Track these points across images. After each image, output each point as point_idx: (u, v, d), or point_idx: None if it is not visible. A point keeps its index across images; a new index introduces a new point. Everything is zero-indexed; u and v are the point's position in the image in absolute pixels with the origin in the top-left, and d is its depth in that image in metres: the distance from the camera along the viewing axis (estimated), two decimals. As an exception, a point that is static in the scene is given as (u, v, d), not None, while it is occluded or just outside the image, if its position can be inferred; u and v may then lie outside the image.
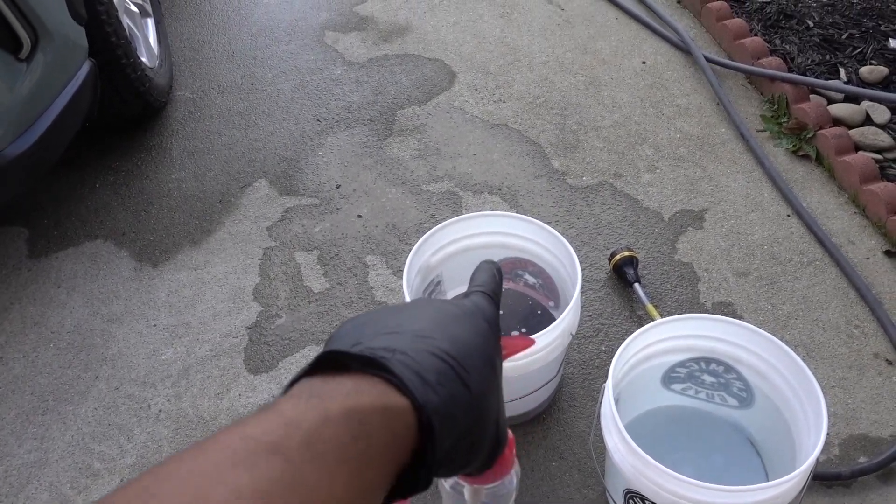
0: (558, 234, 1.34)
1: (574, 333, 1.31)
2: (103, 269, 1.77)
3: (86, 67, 1.67)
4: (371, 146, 2.01)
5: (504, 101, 2.11)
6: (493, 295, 0.50)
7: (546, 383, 1.34)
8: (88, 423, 1.49)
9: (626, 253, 1.63)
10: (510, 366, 1.23)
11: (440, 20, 2.42)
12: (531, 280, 1.49)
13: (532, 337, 1.20)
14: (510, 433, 0.51)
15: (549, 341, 1.24)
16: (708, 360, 1.28)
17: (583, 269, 1.67)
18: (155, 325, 1.65)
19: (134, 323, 1.66)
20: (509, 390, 1.30)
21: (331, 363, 0.38)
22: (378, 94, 2.16)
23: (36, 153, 1.48)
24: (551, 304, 1.49)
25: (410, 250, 1.31)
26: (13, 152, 1.44)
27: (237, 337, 1.62)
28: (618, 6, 2.39)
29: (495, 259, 1.46)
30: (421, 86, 2.18)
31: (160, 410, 1.50)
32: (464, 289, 1.57)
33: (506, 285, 1.54)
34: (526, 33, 2.34)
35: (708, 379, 1.31)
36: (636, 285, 1.60)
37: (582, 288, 1.61)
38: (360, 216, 1.84)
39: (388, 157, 1.98)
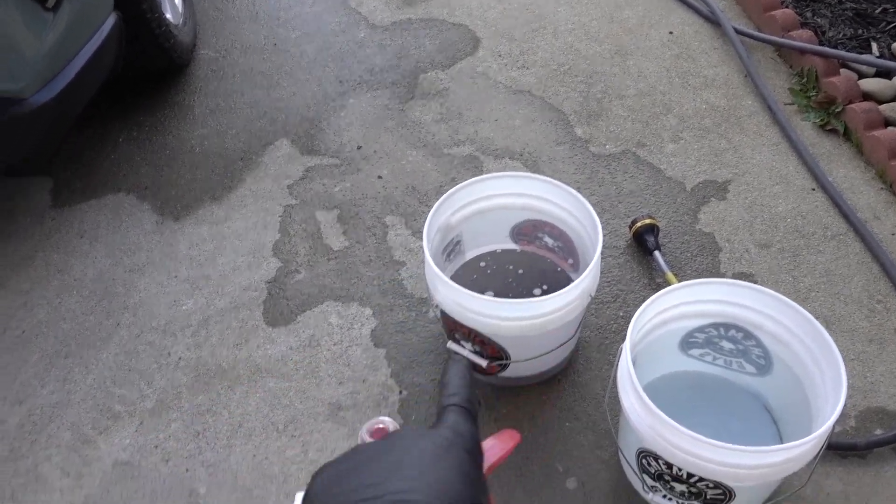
0: (580, 196, 1.33)
1: (593, 295, 1.31)
2: (125, 221, 1.78)
3: (111, 20, 1.68)
4: (393, 109, 2.01)
5: (528, 68, 2.09)
6: (469, 405, 0.49)
7: (563, 344, 1.34)
8: (110, 368, 1.51)
9: (648, 220, 1.62)
10: (527, 324, 1.24)
11: (466, -15, 2.40)
12: (551, 242, 1.49)
13: (537, 300, 1.20)
14: None
15: (567, 301, 1.24)
16: (727, 326, 1.28)
17: (603, 236, 1.66)
18: (176, 277, 1.66)
19: (155, 274, 1.67)
20: (526, 349, 1.31)
21: None
22: (401, 57, 2.15)
23: (60, 104, 1.49)
24: (570, 267, 1.49)
25: (430, 211, 1.31)
26: (37, 101, 1.45)
27: (256, 290, 1.63)
28: (647, -25, 2.36)
29: (515, 221, 1.47)
30: (444, 50, 2.16)
31: (180, 358, 1.52)
32: (483, 251, 1.57)
33: (525, 248, 1.54)
34: (552, 0, 2.32)
35: (726, 345, 1.31)
36: (656, 253, 1.59)
37: (602, 254, 1.61)
38: (380, 177, 1.84)
39: (409, 119, 1.97)
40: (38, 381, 1.51)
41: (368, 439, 1.18)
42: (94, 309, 1.62)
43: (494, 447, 0.50)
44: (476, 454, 0.45)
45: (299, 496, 1.33)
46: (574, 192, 1.34)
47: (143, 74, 2.05)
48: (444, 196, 1.35)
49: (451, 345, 1.39)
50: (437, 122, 1.96)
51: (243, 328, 1.57)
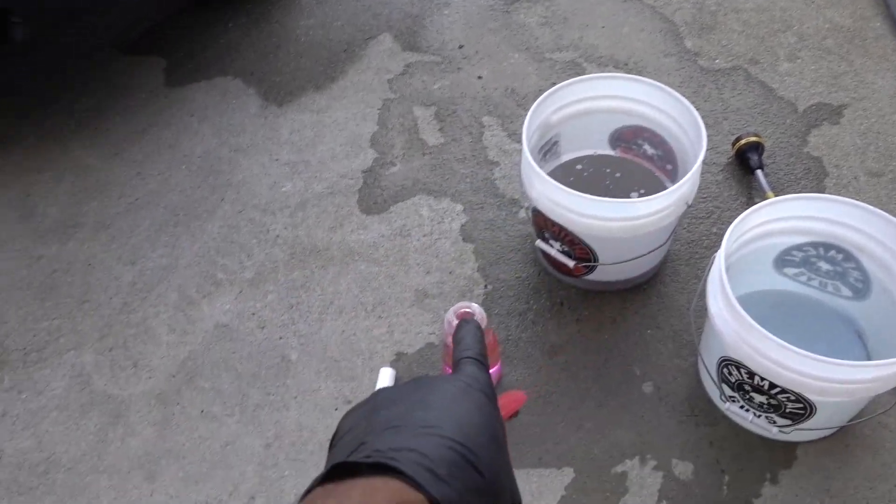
0: (685, 100, 1.30)
1: (690, 204, 1.29)
2: (232, 103, 1.85)
3: None
4: (497, 9, 1.98)
5: (641, -25, 2.01)
6: (482, 358, 0.51)
7: (653, 251, 1.34)
8: (214, 239, 1.60)
9: (753, 138, 1.57)
10: (619, 225, 1.24)
11: None
12: (650, 150, 1.47)
13: (633, 201, 1.19)
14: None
15: (663, 205, 1.23)
16: (827, 246, 1.25)
17: (705, 151, 1.63)
18: (277, 160, 1.73)
19: (258, 155, 1.74)
20: (616, 251, 1.32)
21: (342, 471, 0.39)
22: (511, -43, 2.10)
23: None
24: (668, 176, 1.47)
25: (531, 108, 1.31)
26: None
27: (353, 178, 1.68)
28: None
29: (615, 126, 1.45)
30: (556, -48, 2.10)
31: (277, 236, 1.60)
32: (581, 154, 1.57)
33: (623, 155, 1.52)
34: None
35: (824, 266, 1.28)
36: (758, 172, 1.55)
37: (701, 170, 1.58)
38: (480, 77, 1.83)
39: (514, 21, 1.94)
40: (149, 244, 1.61)
41: (455, 320, 1.23)
42: (201, 184, 1.70)
43: (506, 398, 0.54)
44: (492, 397, 0.48)
45: (383, 371, 1.40)
46: (679, 96, 1.31)
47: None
48: (547, 93, 1.34)
49: (539, 243, 1.41)
50: (541, 25, 1.92)
51: (338, 213, 1.63)
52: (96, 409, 1.40)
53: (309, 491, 0.39)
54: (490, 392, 0.47)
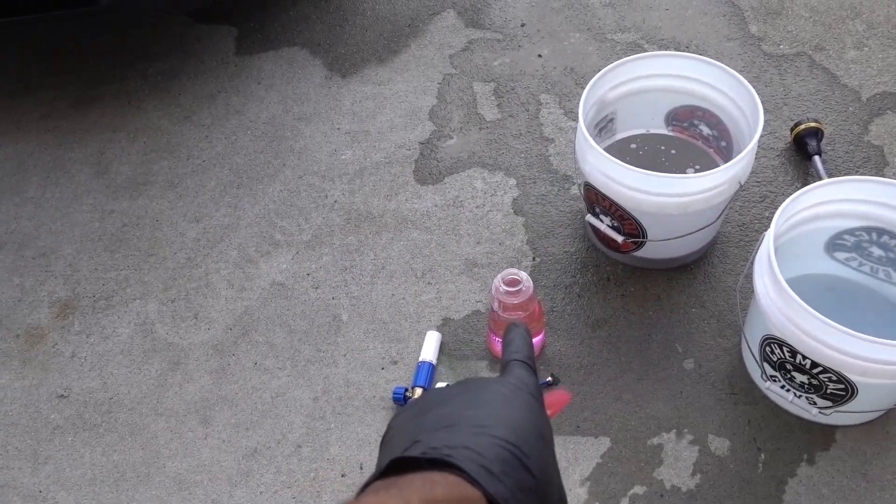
0: (743, 79, 1.31)
1: (742, 184, 1.30)
2: (298, 73, 1.91)
3: None
4: (561, -11, 1.99)
5: (708, -41, 2.00)
6: (531, 361, 0.52)
7: (702, 229, 1.35)
8: (274, 202, 1.67)
9: (812, 124, 1.55)
10: (670, 202, 1.25)
11: None
12: (706, 131, 1.47)
13: (685, 177, 1.20)
14: None
15: (716, 183, 1.24)
16: (881, 232, 1.24)
17: (761, 136, 1.61)
18: (338, 129, 1.79)
19: (320, 124, 1.80)
20: (665, 228, 1.33)
21: (400, 467, 0.40)
22: (577, -62, 2.11)
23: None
24: (723, 157, 1.47)
25: (588, 83, 1.33)
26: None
27: (410, 149, 1.72)
28: None
29: (672, 106, 1.45)
30: (622, -66, 2.10)
31: (335, 201, 1.66)
32: (635, 132, 1.58)
33: (679, 135, 1.52)
34: None
35: (876, 252, 1.27)
36: (816, 158, 1.53)
37: (757, 153, 1.57)
38: (540, 56, 1.85)
39: (577, 1, 1.95)
40: (213, 204, 1.69)
41: (503, 287, 1.26)
42: (265, 149, 1.77)
43: (551, 397, 0.55)
44: (540, 400, 0.49)
45: (430, 334, 1.45)
46: (738, 74, 1.31)
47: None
48: (605, 69, 1.36)
49: (589, 218, 1.43)
50: (604, 6, 1.93)
51: (394, 182, 1.67)
52: (157, 356, 1.49)
53: (367, 485, 0.40)
54: (538, 395, 0.49)
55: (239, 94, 1.89)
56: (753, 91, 1.28)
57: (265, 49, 1.98)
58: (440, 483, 0.38)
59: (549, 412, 0.50)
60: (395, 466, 0.40)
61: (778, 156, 1.60)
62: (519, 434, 0.43)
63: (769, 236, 1.13)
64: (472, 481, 0.39)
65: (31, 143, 1.86)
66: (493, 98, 1.79)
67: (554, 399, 0.54)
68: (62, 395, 1.46)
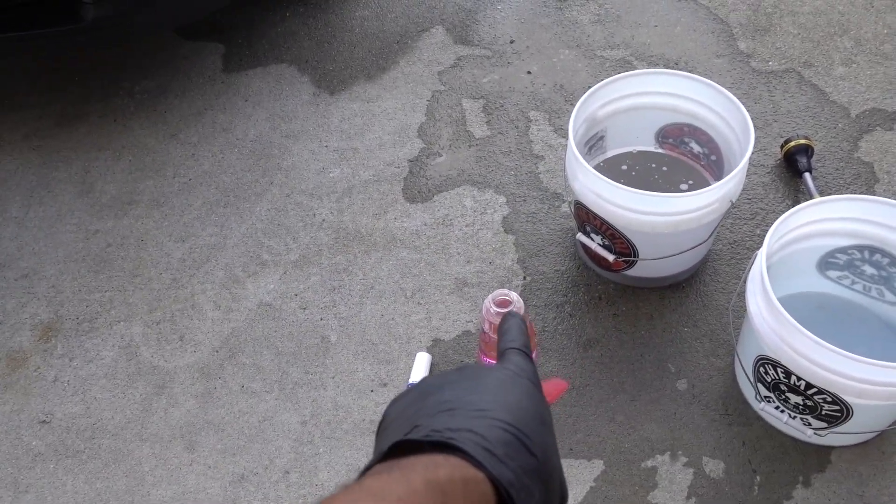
0: (733, 97, 1.30)
1: (734, 202, 1.29)
2: (286, 90, 1.90)
3: None
4: (550, 6, 1.99)
5: (696, -24, 2.00)
6: (527, 349, 0.52)
7: (693, 247, 1.34)
8: (261, 220, 1.65)
9: (802, 141, 1.55)
10: (661, 220, 1.24)
11: None
12: (697, 149, 1.46)
13: (676, 196, 1.19)
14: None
15: (707, 202, 1.23)
16: (872, 250, 1.23)
17: (752, 153, 1.61)
18: (326, 146, 1.77)
19: (308, 141, 1.78)
20: (656, 247, 1.32)
21: (402, 449, 0.39)
22: (565, -45, 2.11)
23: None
24: (714, 175, 1.46)
25: (579, 100, 1.32)
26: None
27: (399, 167, 1.71)
28: None
29: (662, 123, 1.45)
30: (610, -49, 2.10)
31: (323, 220, 1.64)
32: (626, 150, 1.57)
33: (669, 153, 1.52)
34: None
35: (868, 270, 1.26)
36: (806, 175, 1.53)
37: (748, 170, 1.56)
38: (529, 72, 1.85)
39: (566, 18, 1.95)
40: (199, 223, 1.67)
41: (494, 308, 1.25)
42: (252, 167, 1.75)
43: (548, 385, 0.55)
44: (539, 385, 0.49)
45: (420, 356, 1.42)
46: (728, 92, 1.31)
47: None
48: (595, 87, 1.35)
49: (580, 237, 1.42)
50: (593, 23, 1.93)
51: (383, 200, 1.66)
52: (142, 379, 1.46)
53: (368, 468, 0.39)
54: (536, 381, 0.49)
55: (226, 112, 1.87)
56: (744, 109, 1.28)
57: (253, 66, 1.96)
58: (443, 465, 0.38)
59: (547, 399, 0.50)
60: (396, 450, 0.40)
61: (768, 173, 1.59)
62: (520, 418, 0.43)
63: (761, 255, 1.12)
64: (477, 464, 0.38)
65: (14, 162, 1.83)
66: (482, 115, 1.78)
67: (551, 387, 0.54)
68: (44, 421, 1.43)
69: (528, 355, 0.51)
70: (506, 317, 0.55)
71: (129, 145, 1.83)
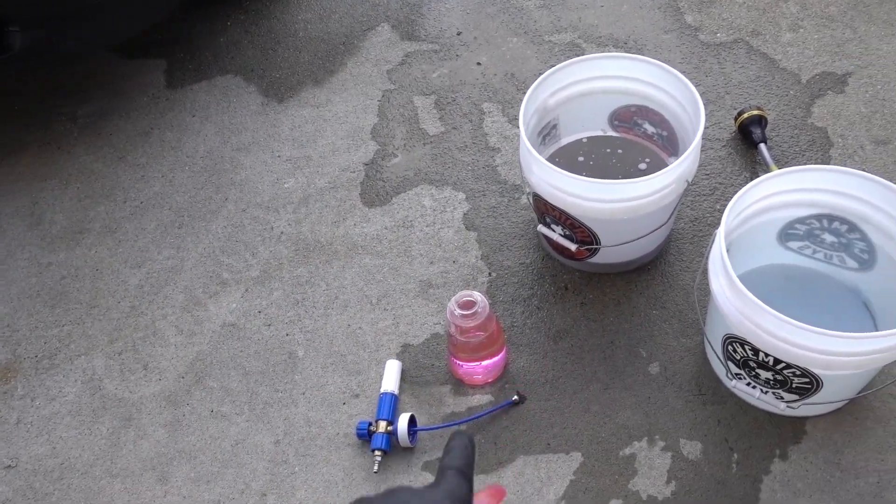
0: (680, 75, 1.29)
1: (690, 181, 1.28)
2: (233, 101, 1.85)
3: None
4: (495, -6, 1.96)
5: (639, -48, 1.98)
6: (468, 470, 0.51)
7: (654, 231, 1.33)
8: (218, 239, 1.61)
9: (755, 112, 1.55)
10: (619, 207, 1.23)
11: None
12: (651, 130, 1.45)
13: (632, 182, 1.18)
14: None
15: (663, 185, 1.22)
16: (831, 218, 1.23)
17: (706, 128, 1.60)
18: (279, 156, 1.73)
19: (260, 153, 1.75)
20: (617, 233, 1.30)
21: None
22: (506, -60, 2.08)
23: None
24: (670, 154, 1.45)
25: (527, 91, 1.30)
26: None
27: (354, 172, 1.68)
28: None
29: (614, 107, 1.43)
30: (551, -67, 2.07)
31: (282, 232, 1.61)
32: (580, 136, 1.55)
33: (624, 135, 1.50)
34: None
35: (828, 238, 1.26)
36: (761, 146, 1.53)
37: (702, 146, 1.56)
38: (479, 64, 1.82)
39: (511, 5, 1.93)
40: (154, 247, 1.63)
41: (458, 311, 1.23)
42: (205, 184, 1.71)
43: (482, 497, 0.56)
44: None
45: (390, 363, 1.40)
46: (675, 71, 1.29)
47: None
48: (543, 76, 1.33)
49: (541, 228, 1.40)
50: (539, 8, 1.90)
51: (341, 207, 1.63)
52: (108, 413, 1.42)
53: None
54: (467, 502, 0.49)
55: (173, 129, 1.82)
56: (692, 87, 1.26)
57: (197, 79, 1.91)
58: None
59: None
60: None
61: (724, 146, 1.59)
62: None
63: (720, 235, 1.11)
64: None
65: (-43, 200, 1.77)
66: (434, 111, 1.75)
67: (489, 494, 0.55)
68: (9, 466, 1.39)
69: (466, 477, 0.51)
70: (453, 435, 0.55)
71: (76, 172, 1.78)
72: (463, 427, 1.31)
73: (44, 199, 1.74)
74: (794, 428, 1.24)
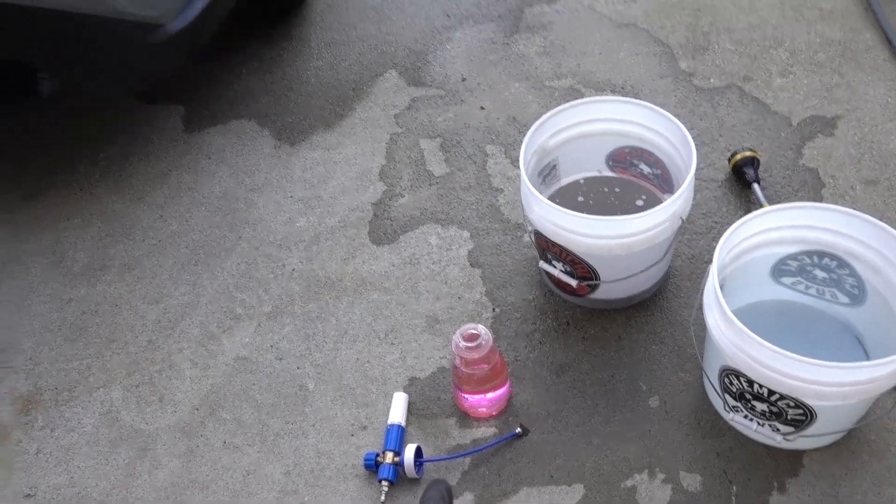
0: (673, 118, 1.35)
1: (685, 219, 1.33)
2: (247, 144, 1.93)
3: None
4: (497, 42, 2.05)
5: (634, 1, 2.08)
6: None
7: (651, 266, 1.38)
8: (232, 275, 1.68)
9: (748, 153, 1.61)
10: (617, 243, 1.28)
11: (577, -81, 2.37)
12: (647, 170, 1.51)
13: (627, 218, 1.24)
14: None
15: (657, 221, 1.27)
16: (821, 254, 1.28)
17: (701, 169, 1.67)
18: (291, 197, 1.80)
19: (272, 193, 1.82)
20: (616, 269, 1.36)
21: None
22: (508, -9, 2.18)
23: (194, 28, 1.63)
24: (665, 193, 1.51)
25: (527, 132, 1.37)
26: (177, 26, 1.59)
27: (363, 211, 1.74)
28: None
29: (611, 148, 1.50)
30: (552, -16, 2.17)
31: (293, 270, 1.67)
32: (579, 177, 1.61)
33: (620, 175, 1.57)
34: (665, -67, 2.27)
35: (819, 274, 1.31)
36: (755, 185, 1.59)
37: (698, 186, 1.62)
38: (482, 108, 1.90)
39: (513, 53, 2.01)
40: (172, 283, 1.69)
41: (463, 343, 1.28)
42: (220, 223, 1.78)
43: None
44: None
45: (397, 395, 1.45)
46: (667, 113, 1.36)
47: (267, 10, 2.17)
48: (543, 118, 1.40)
49: (542, 265, 1.46)
50: (540, 55, 1.99)
51: (350, 245, 1.69)
52: (124, 444, 1.47)
53: None
54: None
55: (190, 171, 1.90)
56: (683, 127, 1.33)
57: (213, 124, 2.00)
58: None
59: None
60: None
61: (719, 186, 1.65)
62: None
63: (713, 270, 1.17)
64: None
65: (-18, 239, 1.85)
66: (440, 153, 1.83)
67: None
68: (28, 495, 1.43)
69: None
70: (431, 483, 0.53)
71: (97, 212, 1.85)
72: (466, 459, 1.35)
73: (66, 238, 1.81)
74: (792, 461, 1.27)
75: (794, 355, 1.05)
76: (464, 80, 1.97)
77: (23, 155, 2.01)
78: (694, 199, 1.46)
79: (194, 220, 1.80)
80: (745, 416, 1.25)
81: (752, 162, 1.61)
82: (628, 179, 1.56)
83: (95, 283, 1.72)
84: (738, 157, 1.61)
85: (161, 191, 1.87)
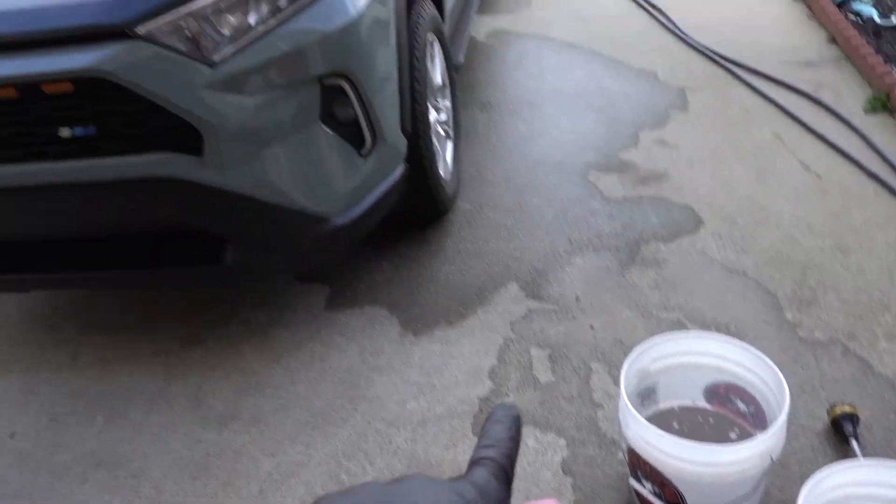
0: (768, 360, 1.46)
1: (775, 459, 1.40)
2: (376, 328, 2.17)
3: (401, 168, 2.14)
4: (613, 270, 2.26)
5: (746, 252, 2.25)
6: (506, 461, 0.42)
7: (738, 500, 1.42)
8: (343, 443, 1.83)
9: (847, 408, 1.66)
10: (706, 471, 1.36)
11: (697, 173, 2.65)
12: (742, 407, 1.60)
13: (719, 448, 1.32)
14: None
15: (747, 456, 1.35)
16: (912, 517, 1.29)
17: (799, 417, 1.73)
18: (407, 381, 1.99)
19: (391, 375, 2.01)
20: (703, 497, 1.42)
21: None
22: (627, 227, 2.42)
23: (356, 225, 1.94)
24: (759, 432, 1.58)
25: (632, 354, 1.51)
26: (342, 222, 1.90)
27: (470, 404, 1.89)
28: (878, 180, 2.45)
29: (709, 381, 1.61)
30: (668, 226, 2.40)
31: (398, 448, 1.81)
32: (677, 402, 1.72)
33: (717, 409, 1.65)
34: (779, 195, 2.48)
35: (911, 537, 1.31)
36: (853, 441, 1.62)
37: (795, 433, 1.68)
38: (592, 327, 2.07)
39: (626, 282, 2.21)
40: (288, 441, 1.87)
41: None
42: (341, 394, 1.98)
43: None
44: None
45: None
46: (762, 355, 1.48)
47: (414, 218, 2.50)
48: (647, 343, 1.55)
49: (632, 482, 1.53)
50: (651, 288, 2.17)
51: (454, 434, 1.82)
52: (219, 584, 1.58)
53: None
54: None
55: (324, 344, 2.14)
56: (777, 370, 1.43)
57: (351, 306, 2.27)
58: None
59: None
60: None
61: (816, 435, 1.69)
62: None
63: (798, 512, 1.21)
64: None
65: (142, 373, 2.12)
66: (547, 362, 1.98)
67: None
68: None
69: (504, 471, 0.42)
70: (495, 409, 0.45)
71: (238, 367, 2.10)
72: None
73: (207, 385, 2.06)
74: None
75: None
76: (578, 300, 2.17)
77: (187, 308, 2.34)
78: (790, 444, 1.52)
79: (319, 388, 2.00)
80: None
81: (852, 418, 1.65)
82: (723, 414, 1.64)
83: (224, 429, 1.93)
84: (838, 410, 1.67)
85: (296, 357, 2.11)
